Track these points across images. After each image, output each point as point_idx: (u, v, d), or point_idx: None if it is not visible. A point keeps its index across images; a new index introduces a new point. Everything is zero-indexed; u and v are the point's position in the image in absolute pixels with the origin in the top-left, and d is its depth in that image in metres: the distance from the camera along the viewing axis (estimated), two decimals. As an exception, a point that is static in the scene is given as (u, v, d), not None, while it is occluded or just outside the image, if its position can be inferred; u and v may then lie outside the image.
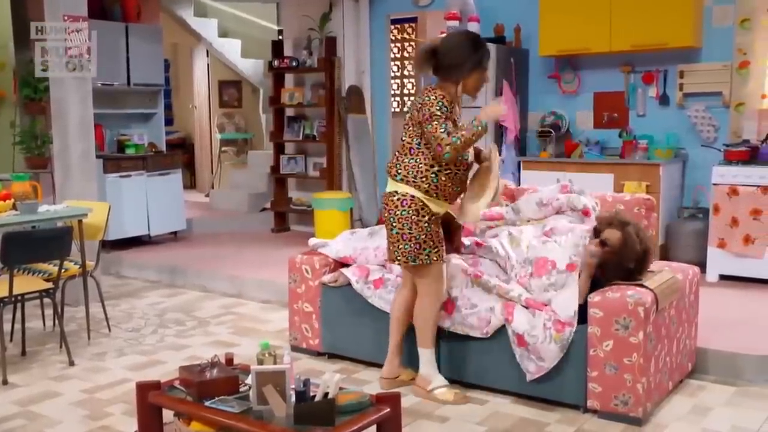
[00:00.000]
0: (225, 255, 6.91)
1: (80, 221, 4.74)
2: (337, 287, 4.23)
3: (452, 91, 3.58)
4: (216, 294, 6.05)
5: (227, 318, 5.34)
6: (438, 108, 3.47)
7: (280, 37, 8.34)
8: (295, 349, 4.46)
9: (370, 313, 4.08)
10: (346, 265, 4.30)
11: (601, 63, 6.37)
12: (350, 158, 7.42)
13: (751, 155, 5.49)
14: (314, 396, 2.62)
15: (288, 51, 8.02)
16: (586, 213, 4.00)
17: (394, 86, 7.45)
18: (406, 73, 8.41)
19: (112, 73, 7.13)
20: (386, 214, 3.66)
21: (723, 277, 5.54)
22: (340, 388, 2.68)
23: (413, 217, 3.55)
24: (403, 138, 3.64)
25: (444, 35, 3.73)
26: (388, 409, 2.72)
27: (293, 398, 2.62)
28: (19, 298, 4.30)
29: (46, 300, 4.51)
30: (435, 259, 3.62)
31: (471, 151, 3.71)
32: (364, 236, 4.41)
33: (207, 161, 11.24)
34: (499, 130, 6.34)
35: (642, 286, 3.46)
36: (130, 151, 7.40)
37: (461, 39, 3.63)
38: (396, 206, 3.59)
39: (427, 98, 3.52)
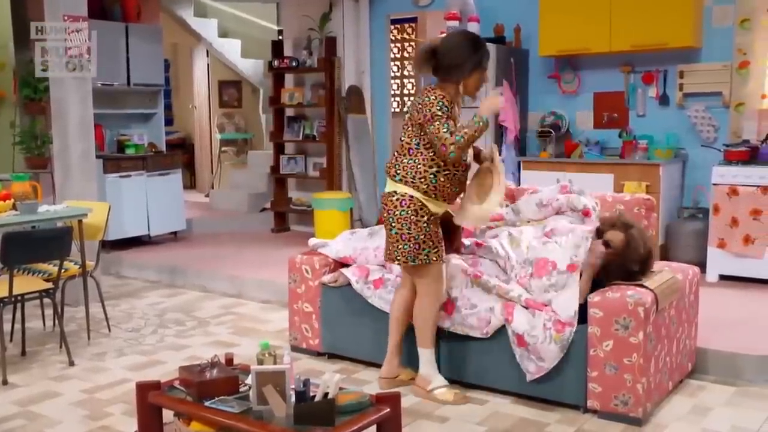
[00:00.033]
0: (225, 255, 6.91)
1: (80, 221, 4.74)
2: (337, 287, 4.23)
3: (452, 91, 3.58)
4: (216, 294, 6.05)
5: (227, 318, 5.34)
6: (439, 108, 3.47)
7: (280, 37, 8.34)
8: (295, 349, 4.46)
9: (370, 313, 4.08)
10: (346, 265, 4.30)
11: (601, 63, 6.37)
12: (350, 158, 7.43)
13: (751, 155, 5.49)
14: (314, 396, 2.62)
15: (288, 51, 8.03)
16: (586, 213, 4.00)
17: (394, 86, 7.46)
18: (406, 73, 8.41)
19: (112, 73, 7.13)
20: (385, 215, 3.66)
21: (723, 277, 5.54)
22: (340, 388, 2.68)
23: (412, 217, 3.55)
24: (402, 138, 3.64)
25: (443, 35, 3.73)
26: (388, 409, 2.72)
27: (293, 398, 2.62)
28: (19, 298, 4.30)
29: (46, 300, 4.51)
30: (434, 259, 3.62)
31: (470, 152, 3.71)
32: (364, 236, 4.41)
33: (207, 161, 11.24)
34: (499, 130, 6.34)
35: (642, 286, 3.46)
36: (130, 151, 7.40)
37: (461, 39, 3.63)
38: (395, 206, 3.59)
39: (427, 98, 3.51)
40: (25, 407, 3.75)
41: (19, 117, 7.42)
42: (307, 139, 7.95)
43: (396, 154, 3.66)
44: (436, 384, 3.74)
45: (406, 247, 3.58)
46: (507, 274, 3.85)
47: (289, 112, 8.17)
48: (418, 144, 3.57)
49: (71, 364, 4.35)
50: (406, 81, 8.44)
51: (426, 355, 3.76)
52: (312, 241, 4.57)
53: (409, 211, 3.55)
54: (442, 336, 3.84)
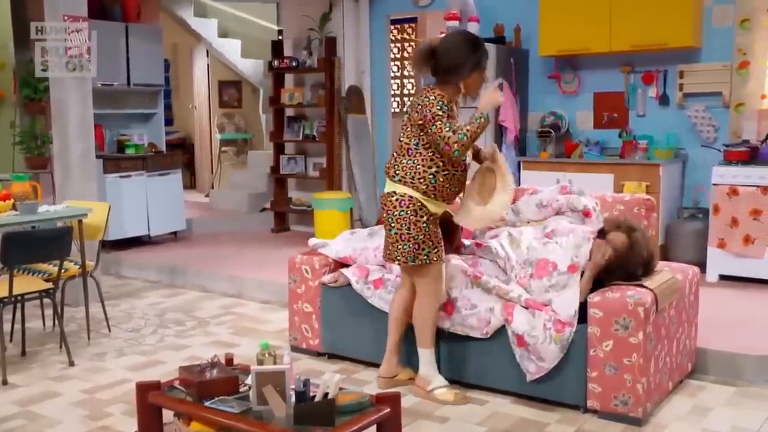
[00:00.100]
0: (225, 255, 6.91)
1: (80, 221, 4.74)
2: (336, 287, 4.23)
3: (451, 91, 3.58)
4: (216, 294, 6.05)
5: (227, 318, 5.34)
6: (439, 108, 3.47)
7: (280, 37, 8.34)
8: (294, 349, 4.46)
9: (370, 314, 4.08)
10: (346, 266, 4.30)
11: (601, 63, 6.37)
12: (350, 158, 7.43)
13: (750, 155, 5.49)
14: (314, 396, 2.62)
15: (288, 51, 8.03)
16: (586, 214, 4.00)
17: (394, 86, 7.46)
18: (406, 73, 8.40)
19: (112, 73, 7.13)
20: (385, 215, 3.66)
21: (723, 278, 5.54)
22: (340, 389, 2.68)
23: (411, 217, 3.55)
24: (402, 139, 3.64)
25: (442, 36, 3.73)
26: (388, 410, 2.72)
27: (293, 398, 2.62)
28: (19, 298, 4.30)
29: (46, 300, 4.51)
30: (434, 259, 3.62)
31: (469, 152, 3.70)
32: (364, 236, 4.41)
33: (207, 161, 11.24)
34: (499, 130, 6.34)
35: (642, 286, 3.46)
36: (130, 152, 7.40)
37: (460, 40, 3.63)
38: (394, 206, 3.59)
39: (426, 99, 3.52)
40: (25, 407, 3.75)
41: (19, 117, 7.42)
42: (307, 139, 7.95)
43: (395, 154, 3.66)
44: (436, 384, 3.74)
45: (405, 247, 3.58)
46: (507, 275, 3.85)
47: (289, 112, 8.17)
48: (417, 144, 3.57)
49: (71, 364, 4.35)
50: (406, 81, 8.44)
51: (426, 356, 3.76)
52: (312, 241, 4.57)
53: (409, 212, 3.56)
54: (442, 336, 3.84)
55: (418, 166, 3.55)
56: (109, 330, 4.98)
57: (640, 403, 3.38)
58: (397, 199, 3.58)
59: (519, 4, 6.69)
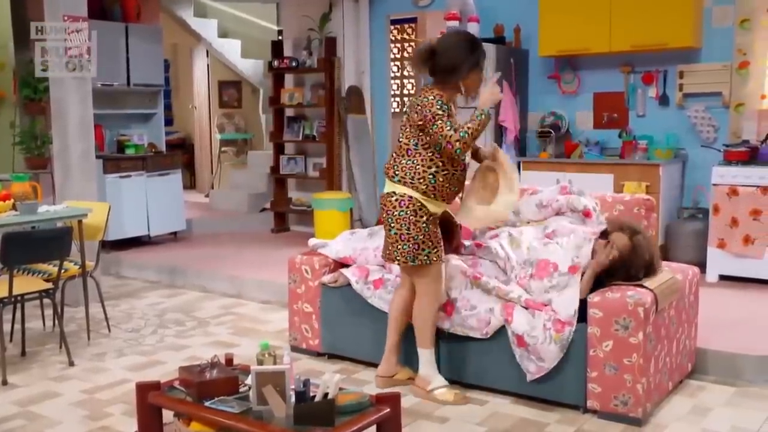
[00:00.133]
0: (225, 255, 6.91)
1: (80, 221, 4.74)
2: (336, 287, 4.23)
3: (449, 91, 3.58)
4: (216, 294, 6.05)
5: (227, 318, 5.34)
6: (439, 107, 3.48)
7: (280, 38, 8.34)
8: (294, 349, 4.45)
9: (370, 314, 4.08)
10: (346, 266, 4.30)
11: (601, 63, 6.37)
12: (350, 158, 7.43)
13: (750, 156, 5.49)
14: (314, 396, 2.62)
15: (288, 51, 8.03)
16: (587, 214, 4.00)
17: (394, 86, 7.45)
18: (405, 73, 8.39)
19: (111, 74, 7.13)
20: (384, 215, 3.66)
21: (723, 278, 5.54)
22: (340, 389, 2.68)
23: (411, 217, 3.55)
24: (401, 140, 3.64)
25: (440, 36, 3.74)
26: (388, 410, 2.72)
27: (293, 399, 2.62)
28: (19, 298, 4.30)
29: (46, 300, 4.51)
30: (434, 259, 3.62)
31: (469, 152, 3.70)
32: (364, 237, 4.41)
33: (207, 161, 11.24)
34: (499, 131, 6.35)
35: (642, 286, 3.46)
36: (129, 152, 7.40)
37: (458, 40, 3.63)
38: (394, 207, 3.59)
39: (425, 99, 3.52)
40: (25, 407, 3.75)
41: (19, 117, 7.42)
42: (306, 139, 7.95)
43: (394, 155, 3.66)
44: (435, 384, 3.74)
45: (405, 247, 3.58)
46: (507, 275, 3.85)
47: (289, 112, 8.17)
48: (416, 145, 3.57)
49: (71, 364, 4.35)
50: (406, 81, 8.42)
51: (426, 356, 3.76)
52: (312, 242, 4.57)
53: (409, 212, 3.56)
54: (441, 336, 3.84)
55: (417, 167, 3.55)
56: (109, 330, 4.98)
57: (640, 403, 3.38)
58: (396, 200, 3.58)
59: (519, 4, 6.69)
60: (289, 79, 8.17)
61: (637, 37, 5.89)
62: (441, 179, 3.56)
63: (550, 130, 6.39)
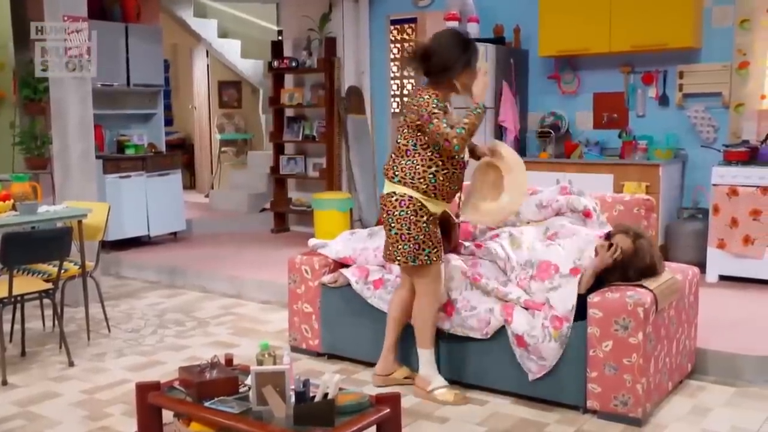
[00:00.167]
0: (225, 255, 6.91)
1: (80, 222, 4.74)
2: (336, 288, 4.23)
3: (444, 90, 3.59)
4: (216, 294, 6.05)
5: (227, 318, 5.34)
6: (435, 105, 3.48)
7: (280, 38, 8.34)
8: (294, 349, 4.45)
9: (370, 314, 4.08)
10: (346, 266, 4.30)
11: (601, 63, 6.37)
12: (350, 159, 7.43)
13: (750, 156, 5.49)
14: (314, 396, 2.62)
15: (288, 51, 8.03)
16: (587, 215, 4.01)
17: (394, 87, 7.45)
18: (405, 73, 8.39)
19: (111, 74, 7.13)
20: (384, 215, 3.66)
21: (722, 278, 5.54)
22: (340, 389, 2.68)
23: (412, 217, 3.56)
24: (399, 140, 3.65)
25: (432, 36, 3.75)
26: (388, 410, 2.72)
27: (293, 399, 2.62)
28: (19, 298, 4.30)
29: (46, 300, 4.51)
30: (434, 259, 3.62)
31: (466, 149, 3.71)
32: (364, 237, 4.41)
33: (207, 162, 11.24)
34: (499, 131, 6.35)
35: (641, 286, 3.46)
36: (129, 152, 7.40)
37: (450, 39, 3.63)
38: (394, 207, 3.59)
39: (421, 99, 3.52)
40: (25, 408, 3.75)
41: (19, 117, 7.42)
42: (306, 139, 7.95)
43: (393, 155, 3.66)
44: (435, 384, 3.74)
45: (406, 247, 3.58)
46: (507, 276, 3.85)
47: (289, 112, 8.17)
48: (415, 145, 3.57)
49: (71, 364, 4.35)
50: (405, 81, 8.43)
51: (426, 356, 3.76)
52: (312, 242, 4.57)
53: (409, 212, 3.56)
54: (441, 337, 3.84)
55: (417, 166, 3.56)
56: (109, 330, 4.98)
57: (640, 403, 3.38)
58: (396, 200, 3.58)
59: (519, 4, 6.69)
60: (288, 79, 8.17)
61: (637, 38, 5.90)
62: (441, 178, 3.57)
63: (550, 131, 6.39)
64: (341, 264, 4.34)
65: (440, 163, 3.55)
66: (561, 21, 6.19)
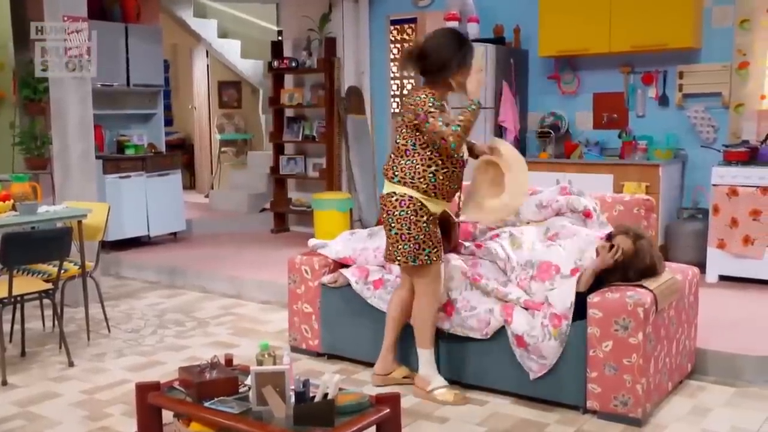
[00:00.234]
0: (224, 256, 6.91)
1: (80, 222, 4.74)
2: (336, 288, 4.23)
3: (441, 89, 3.60)
4: (215, 295, 6.05)
5: (227, 319, 5.34)
6: (431, 104, 3.49)
7: (280, 38, 8.34)
8: (294, 349, 4.45)
9: (370, 314, 4.08)
10: (346, 266, 4.30)
11: (601, 64, 6.37)
12: (350, 159, 7.43)
13: (750, 156, 5.49)
14: (314, 397, 2.62)
15: (287, 52, 8.03)
16: (587, 215, 4.01)
17: (394, 87, 7.46)
18: (405, 74, 8.40)
19: (111, 74, 7.13)
20: (384, 215, 3.66)
21: (722, 278, 5.54)
22: (340, 389, 2.68)
23: (412, 217, 3.56)
24: (398, 141, 3.65)
25: (428, 35, 3.77)
26: (388, 410, 2.72)
27: (293, 399, 2.62)
28: (19, 298, 4.30)
29: (46, 301, 4.51)
30: (434, 259, 3.62)
31: (464, 148, 3.71)
32: (364, 237, 4.41)
33: (206, 162, 11.24)
34: (499, 131, 6.35)
35: (641, 286, 3.46)
36: (129, 152, 7.40)
37: (445, 38, 3.64)
38: (394, 207, 3.59)
39: (417, 98, 3.53)
40: (25, 408, 3.75)
41: (19, 117, 7.42)
42: (306, 139, 7.95)
43: (392, 156, 3.67)
44: (435, 384, 3.74)
45: (406, 247, 3.58)
46: (507, 276, 3.85)
47: (289, 112, 8.17)
48: (414, 145, 3.57)
49: (71, 364, 4.35)
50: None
51: (425, 356, 3.76)
52: (311, 242, 4.57)
53: (409, 212, 3.56)
54: (441, 337, 3.84)
55: (417, 166, 3.56)
56: (109, 330, 4.98)
57: (640, 403, 3.38)
58: (397, 200, 3.59)
59: (519, 4, 6.69)
60: (288, 79, 8.17)
61: (637, 38, 5.89)
62: (441, 177, 3.57)
63: (550, 131, 6.39)
64: (341, 264, 4.34)
65: (440, 162, 3.56)
66: (561, 21, 6.19)
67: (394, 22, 7.30)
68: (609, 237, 3.73)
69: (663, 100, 6.19)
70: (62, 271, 4.44)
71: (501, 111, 6.30)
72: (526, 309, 3.63)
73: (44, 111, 6.75)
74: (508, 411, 3.63)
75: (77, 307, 5.19)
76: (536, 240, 3.91)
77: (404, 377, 3.90)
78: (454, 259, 3.90)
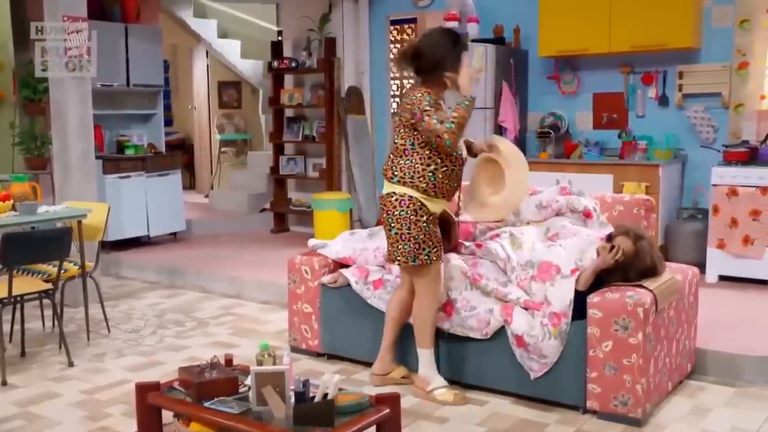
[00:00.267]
0: (224, 256, 6.91)
1: (79, 222, 4.74)
2: (336, 288, 4.23)
3: (436, 88, 3.61)
4: (215, 295, 6.05)
5: (227, 319, 5.34)
6: (427, 103, 3.50)
7: (280, 38, 8.34)
8: (294, 349, 4.45)
9: (370, 314, 4.08)
10: (346, 266, 4.30)
11: (601, 64, 6.37)
12: (350, 159, 7.43)
13: (750, 156, 5.49)
14: (314, 397, 2.62)
15: (287, 52, 8.03)
16: (587, 215, 4.01)
17: (394, 87, 7.46)
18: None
19: (111, 74, 7.13)
20: (384, 215, 3.66)
21: (722, 278, 5.54)
22: (340, 389, 2.69)
23: (412, 217, 3.56)
24: (396, 141, 3.65)
25: (422, 35, 3.78)
26: (388, 410, 2.72)
27: (293, 399, 2.62)
28: (19, 298, 4.30)
29: (46, 301, 4.51)
30: (434, 258, 3.62)
31: (463, 146, 3.71)
32: (364, 237, 4.41)
33: (206, 162, 11.24)
34: (499, 131, 6.35)
35: (641, 286, 3.46)
36: (129, 152, 7.40)
37: (439, 37, 3.65)
38: (394, 207, 3.59)
39: (413, 97, 3.54)
40: (25, 408, 3.75)
41: (19, 117, 7.42)
42: (306, 139, 7.95)
43: (391, 156, 3.67)
44: (435, 385, 3.74)
45: (406, 247, 3.58)
46: (507, 276, 3.85)
47: (289, 112, 8.17)
48: (413, 144, 3.58)
49: (71, 364, 4.35)
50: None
51: (425, 356, 3.76)
52: (311, 242, 4.57)
53: (409, 211, 3.56)
54: (441, 337, 3.84)
55: (416, 165, 3.56)
56: (109, 331, 4.98)
57: (640, 403, 3.38)
58: (396, 200, 3.59)
59: (518, 4, 6.69)
60: (288, 79, 8.17)
61: (637, 38, 5.89)
62: (441, 176, 3.57)
63: (550, 131, 6.39)
64: (341, 264, 4.34)
65: (439, 160, 3.56)
66: (561, 21, 6.19)
67: (394, 22, 7.30)
68: (609, 238, 3.73)
69: (663, 100, 6.19)
70: (62, 271, 4.44)
71: (501, 111, 6.30)
72: (526, 309, 3.63)
73: (44, 111, 6.75)
74: (507, 411, 3.63)
75: (77, 307, 5.19)
76: (536, 240, 3.91)
77: (402, 377, 3.90)
78: (454, 259, 3.90)
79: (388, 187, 3.65)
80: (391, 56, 7.26)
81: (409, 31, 7.27)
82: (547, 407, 3.63)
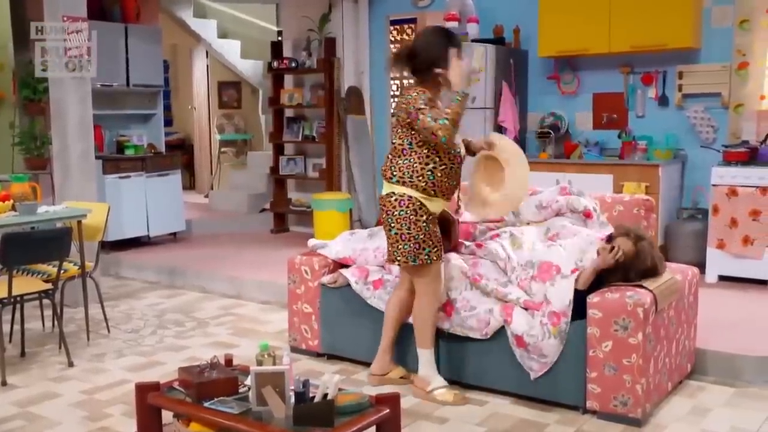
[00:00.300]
0: (224, 256, 6.91)
1: (79, 222, 4.74)
2: (336, 288, 4.23)
3: (432, 88, 3.61)
4: (215, 295, 6.05)
5: (226, 319, 5.34)
6: (422, 102, 3.51)
7: (280, 38, 8.35)
8: (294, 350, 4.45)
9: (370, 314, 4.08)
10: (346, 266, 4.30)
11: (601, 64, 6.37)
12: (349, 159, 7.43)
13: (750, 156, 5.50)
14: (313, 397, 2.62)
15: (287, 52, 8.03)
16: (587, 215, 4.01)
17: (394, 87, 7.47)
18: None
19: (111, 74, 7.13)
20: (384, 215, 3.66)
21: (722, 278, 5.54)
22: (340, 389, 2.69)
23: (411, 217, 3.56)
24: (394, 141, 3.66)
25: (416, 34, 3.79)
26: (388, 410, 2.72)
27: (292, 399, 2.62)
28: (19, 299, 4.30)
29: (46, 301, 4.51)
30: (434, 258, 3.62)
31: (461, 144, 3.71)
32: (364, 237, 4.41)
33: (206, 162, 11.24)
34: (499, 131, 6.34)
35: (641, 286, 3.46)
36: (129, 152, 7.40)
37: (433, 36, 3.67)
38: (394, 207, 3.59)
39: (409, 97, 3.55)
40: (25, 408, 3.75)
41: (19, 118, 7.42)
42: (306, 139, 7.95)
43: (390, 156, 3.67)
44: (435, 385, 3.74)
45: (406, 247, 3.59)
46: (507, 276, 3.85)
47: (289, 112, 8.17)
48: (411, 144, 3.58)
49: (70, 365, 4.35)
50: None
51: (425, 356, 3.76)
52: (311, 242, 4.57)
53: (408, 211, 3.56)
54: (441, 337, 3.84)
55: (415, 165, 3.56)
56: (109, 331, 4.98)
57: (640, 403, 3.38)
58: (396, 200, 3.59)
59: (518, 4, 6.70)
60: (288, 79, 8.17)
61: (637, 38, 5.90)
62: (440, 174, 3.57)
63: (550, 131, 6.39)
64: (341, 264, 4.34)
65: (437, 159, 3.56)
66: (561, 21, 6.19)
67: (393, 23, 7.31)
68: (609, 238, 3.73)
69: (663, 101, 6.19)
70: (62, 272, 4.44)
71: (501, 111, 6.30)
72: (526, 309, 3.63)
73: (44, 111, 6.75)
74: (507, 411, 3.63)
75: (77, 307, 5.19)
76: (537, 240, 3.91)
77: (401, 378, 3.91)
78: (455, 259, 3.90)
79: (387, 188, 3.65)
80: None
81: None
82: (547, 407, 3.63)
